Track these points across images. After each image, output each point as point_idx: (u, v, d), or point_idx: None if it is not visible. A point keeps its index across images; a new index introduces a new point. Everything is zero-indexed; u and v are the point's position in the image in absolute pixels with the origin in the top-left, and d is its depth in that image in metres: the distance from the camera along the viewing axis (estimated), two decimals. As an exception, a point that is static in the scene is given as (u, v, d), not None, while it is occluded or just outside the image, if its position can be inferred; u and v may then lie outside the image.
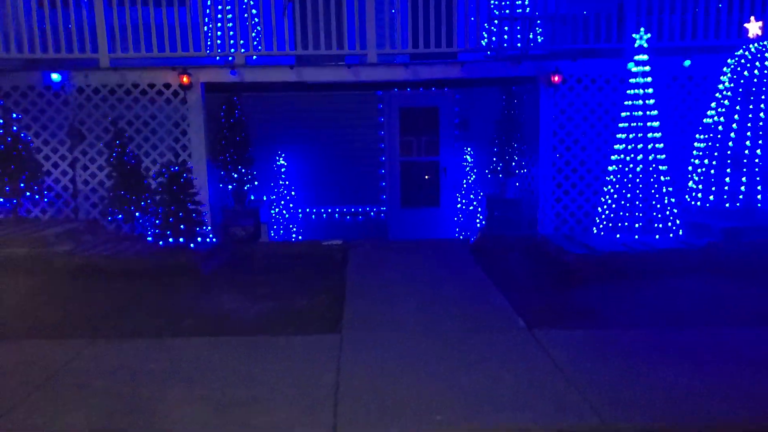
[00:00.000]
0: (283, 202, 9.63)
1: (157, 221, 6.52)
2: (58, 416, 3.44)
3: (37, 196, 7.39)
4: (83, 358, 4.26)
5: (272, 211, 9.56)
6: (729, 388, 3.75)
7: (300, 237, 9.76)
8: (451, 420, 3.38)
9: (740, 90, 6.97)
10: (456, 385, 3.79)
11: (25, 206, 7.65)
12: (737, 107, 6.97)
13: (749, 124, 6.90)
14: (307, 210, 10.08)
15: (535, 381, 3.85)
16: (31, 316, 5.25)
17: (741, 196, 6.98)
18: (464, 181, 9.83)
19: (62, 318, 5.19)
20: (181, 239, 6.52)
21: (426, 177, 10.24)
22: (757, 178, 6.90)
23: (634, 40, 7.09)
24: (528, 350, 4.38)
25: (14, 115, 7.22)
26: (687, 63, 7.83)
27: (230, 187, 8.95)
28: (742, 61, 6.99)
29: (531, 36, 8.25)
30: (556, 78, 7.75)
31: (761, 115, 6.89)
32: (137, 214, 7.17)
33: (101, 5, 7.50)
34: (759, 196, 6.93)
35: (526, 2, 8.36)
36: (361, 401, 3.59)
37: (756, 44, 6.90)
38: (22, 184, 7.00)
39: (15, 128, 7.09)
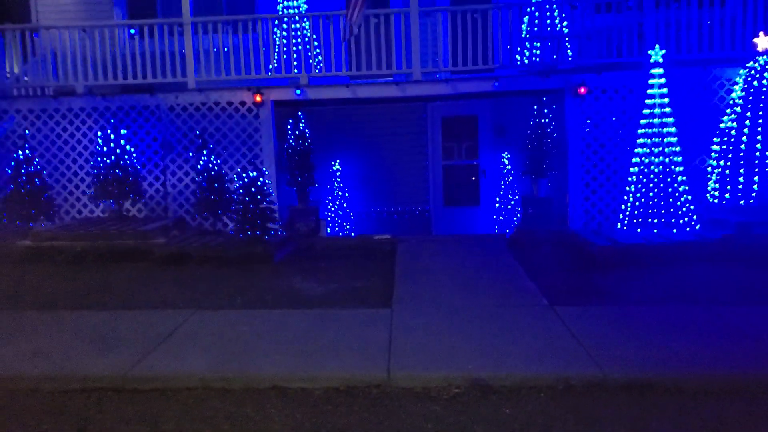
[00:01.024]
0: (338, 202, 10.79)
1: (238, 218, 7.73)
2: (180, 360, 4.64)
3: (138, 198, 8.80)
4: (191, 323, 5.47)
5: (329, 210, 10.74)
6: (721, 352, 4.41)
7: (353, 232, 10.87)
8: (480, 368, 4.33)
9: (751, 98, 7.65)
10: (485, 345, 4.72)
11: (124, 206, 9.08)
12: (748, 113, 7.66)
13: (759, 129, 7.58)
14: (359, 209, 11.16)
15: (551, 344, 4.70)
16: (144, 292, 6.57)
17: (754, 194, 7.66)
18: (502, 182, 10.59)
19: (167, 294, 6.47)
20: (257, 233, 7.73)
21: (467, 179, 11.09)
22: (768, 177, 7.58)
23: (651, 56, 7.83)
24: (548, 321, 5.23)
25: (121, 131, 8.65)
26: (703, 73, 8.42)
27: (294, 189, 10.12)
28: (752, 72, 7.67)
29: (558, 53, 9.01)
30: (583, 90, 8.49)
31: (770, 120, 7.56)
32: (219, 212, 8.42)
33: (189, 36, 8.85)
34: (771, 193, 7.60)
35: (556, 21, 9.12)
36: (409, 353, 4.61)
37: (765, 57, 7.56)
38: (126, 187, 8.40)
39: (122, 141, 8.52)
